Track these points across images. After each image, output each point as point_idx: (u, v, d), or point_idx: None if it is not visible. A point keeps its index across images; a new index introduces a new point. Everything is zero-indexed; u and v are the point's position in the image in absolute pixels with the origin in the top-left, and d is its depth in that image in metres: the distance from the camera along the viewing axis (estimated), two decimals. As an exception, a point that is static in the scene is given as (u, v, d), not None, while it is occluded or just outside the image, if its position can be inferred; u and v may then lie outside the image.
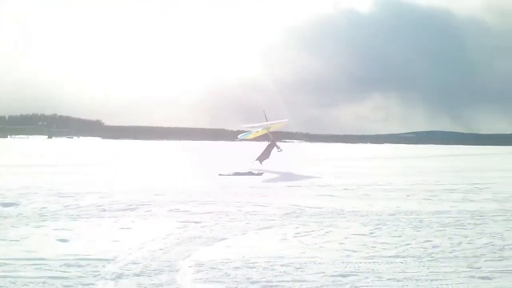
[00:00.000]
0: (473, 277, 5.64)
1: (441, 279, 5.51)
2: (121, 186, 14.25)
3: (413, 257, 6.51)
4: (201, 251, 6.76)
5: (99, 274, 5.53)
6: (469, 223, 9.10)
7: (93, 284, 5.23)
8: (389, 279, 5.49)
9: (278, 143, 24.71)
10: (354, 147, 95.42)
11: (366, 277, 5.55)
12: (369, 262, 6.22)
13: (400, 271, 5.84)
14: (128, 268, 5.77)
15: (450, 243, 7.36)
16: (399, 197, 12.88)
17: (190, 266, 5.94)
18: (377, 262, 6.22)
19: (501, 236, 7.93)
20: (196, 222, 8.74)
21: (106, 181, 16.02)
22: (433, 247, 7.11)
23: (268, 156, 24.29)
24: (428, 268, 5.96)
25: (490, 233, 8.16)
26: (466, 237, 7.80)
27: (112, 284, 5.23)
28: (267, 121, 24.65)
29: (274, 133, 25.33)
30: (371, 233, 8.14)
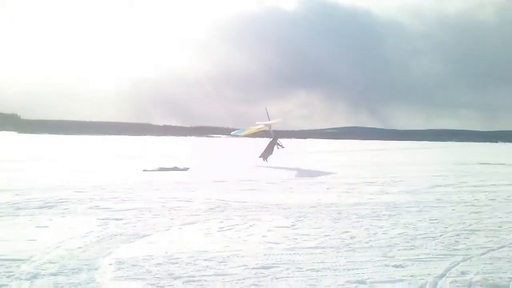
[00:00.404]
0: (387, 265, 5.93)
1: (357, 268, 5.76)
2: (38, 183, 13.56)
3: (332, 247, 6.76)
4: (122, 248, 6.60)
5: (13, 275, 5.26)
6: (385, 214, 9.59)
7: (6, 285, 4.97)
8: (308, 270, 5.66)
9: (279, 140, 25.55)
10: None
11: (287, 268, 5.69)
12: (290, 254, 6.38)
13: (319, 261, 6.04)
14: (44, 268, 5.53)
15: (367, 234, 7.72)
16: (321, 190, 13.31)
17: (110, 264, 5.79)
18: (298, 254, 6.39)
19: (414, 227, 8.42)
20: (117, 219, 8.51)
21: (22, 177, 15.18)
22: (351, 237, 7.42)
23: (272, 153, 25.13)
24: (345, 258, 6.21)
25: (404, 224, 8.64)
26: (381, 228, 8.21)
27: (27, 285, 5.00)
28: (269, 118, 25.71)
29: (275, 130, 26.15)
30: (293, 225, 8.35)
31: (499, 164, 29.82)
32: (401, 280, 5.33)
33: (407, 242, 7.20)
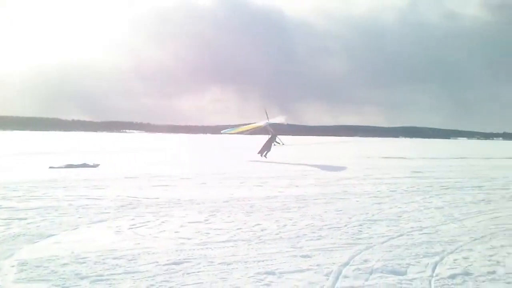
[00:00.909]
0: (295, 256, 6.16)
1: (267, 260, 5.92)
2: None
3: (243, 240, 6.89)
4: (26, 249, 6.27)
5: None
6: (294, 207, 9.92)
7: None
8: (220, 263, 5.73)
9: (279, 137, 27.05)
10: (194, 138, 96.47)
11: (199, 263, 5.73)
12: (202, 248, 6.42)
13: (231, 254, 6.13)
14: None
15: (277, 226, 7.95)
16: (233, 185, 13.46)
17: (12, 266, 5.48)
18: (210, 248, 6.45)
19: (320, 218, 8.79)
20: (20, 219, 8.06)
21: None
22: (262, 230, 7.61)
23: (270, 149, 26.67)
24: (256, 250, 6.37)
25: (311, 215, 9.00)
26: (291, 220, 8.49)
27: None
28: (267, 117, 27.53)
29: (275, 128, 27.60)
30: (206, 220, 8.39)
31: (400, 157, 31.85)
32: (308, 270, 5.56)
33: (314, 232, 7.51)
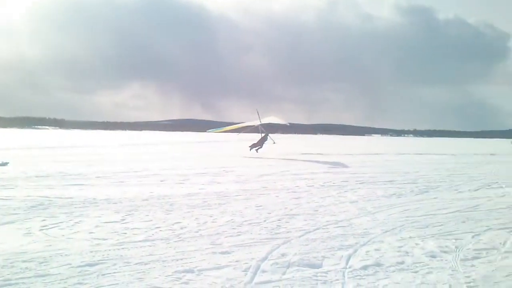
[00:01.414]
0: (215, 253, 6.16)
1: (186, 258, 5.87)
2: None
3: (162, 239, 6.78)
4: None
5: None
6: (215, 203, 9.91)
7: None
8: (137, 263, 5.59)
9: (271, 135, 30.16)
10: (112, 134, 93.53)
11: (114, 264, 5.55)
12: (118, 249, 6.23)
13: (148, 254, 6.01)
14: None
15: (197, 223, 7.90)
16: (153, 183, 13.20)
17: None
18: (127, 248, 6.28)
19: (241, 214, 8.86)
20: None
21: None
22: (181, 228, 7.52)
23: (262, 146, 29.57)
24: (175, 249, 6.28)
25: (232, 212, 9.04)
26: (211, 217, 8.48)
27: None
28: (259, 118, 30.06)
29: (266, 127, 30.34)
30: (123, 219, 8.14)
31: (318, 154, 32.83)
32: (227, 266, 5.57)
33: (234, 229, 7.55)
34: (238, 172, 16.86)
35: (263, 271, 5.42)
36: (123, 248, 6.26)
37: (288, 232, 7.45)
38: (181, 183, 13.34)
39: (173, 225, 7.74)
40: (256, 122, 30.47)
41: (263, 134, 29.88)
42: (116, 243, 6.52)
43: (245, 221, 8.20)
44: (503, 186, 14.58)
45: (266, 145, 30.26)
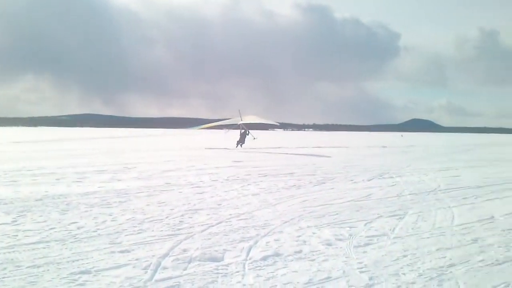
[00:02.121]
0: (113, 252, 5.98)
1: (82, 259, 5.64)
2: None
3: (57, 240, 6.45)
4: None
5: None
6: (115, 202, 9.61)
7: None
8: (29, 267, 5.27)
9: (251, 131, 33.68)
10: (3, 131, 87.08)
11: (4, 268, 5.19)
12: (9, 252, 5.84)
13: (42, 256, 5.69)
14: None
15: (95, 223, 7.61)
16: (49, 181, 12.49)
17: None
18: (18, 251, 5.90)
19: (142, 211, 8.68)
20: None
21: None
22: (78, 228, 7.21)
23: (244, 141, 33.04)
24: (70, 250, 6.01)
25: (133, 209, 8.83)
26: (110, 215, 8.21)
27: None
28: (241, 117, 33.48)
29: (247, 124, 33.64)
30: (14, 221, 7.62)
31: (223, 148, 33.05)
32: (126, 265, 5.44)
33: (135, 226, 7.39)
34: (141, 168, 16.47)
35: (164, 268, 5.36)
36: (13, 252, 5.87)
37: (190, 227, 7.43)
38: (79, 181, 12.76)
39: (69, 225, 7.40)
40: (238, 120, 33.58)
41: (242, 131, 33.23)
42: (6, 246, 6.10)
43: (147, 218, 8.05)
44: (394, 176, 15.66)
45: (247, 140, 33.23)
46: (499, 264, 5.88)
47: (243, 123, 33.36)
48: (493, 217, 8.87)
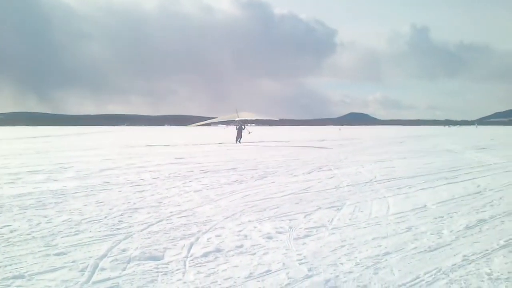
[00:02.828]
0: (48, 255, 5.77)
1: (15, 263, 5.41)
2: None
3: (-14, 246, 6.16)
4: None
5: None
6: (51, 203, 9.27)
7: None
8: (-44, 275, 5.01)
9: (247, 127, 38.01)
10: None
11: None
12: None
13: (-30, 263, 5.42)
14: None
15: (29, 225, 7.31)
16: (-23, 184, 11.86)
17: None
18: None
19: (80, 212, 8.42)
20: None
21: None
22: (11, 231, 6.90)
23: (241, 136, 36.35)
24: (2, 254, 5.74)
25: (70, 210, 8.55)
26: (46, 217, 7.91)
27: None
28: (237, 114, 37.35)
29: (243, 120, 37.53)
30: None
31: (165, 145, 32.65)
32: (62, 268, 5.28)
33: (72, 228, 7.16)
34: (78, 168, 15.97)
35: (102, 269, 5.25)
36: None
37: (130, 226, 7.31)
38: (12, 182, 12.21)
39: (1, 228, 7.07)
40: (235, 117, 37.46)
41: (237, 126, 36.93)
42: None
43: (84, 219, 7.83)
44: (332, 168, 16.08)
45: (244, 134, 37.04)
46: (431, 251, 6.18)
47: (239, 120, 36.98)
48: (425, 205, 9.30)
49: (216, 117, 42.39)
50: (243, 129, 36.75)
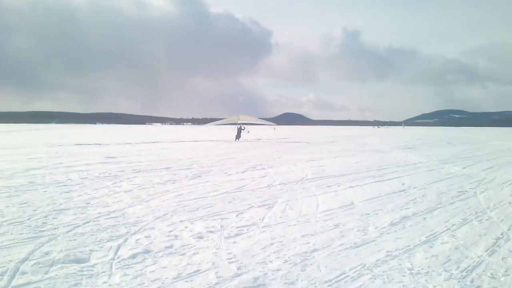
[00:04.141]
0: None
1: None
2: None
3: None
4: None
5: None
6: (-32, 205, 8.73)
7: None
8: None
9: (246, 127, 42.53)
10: None
11: None
12: None
13: None
14: None
15: None
16: None
17: None
18: None
19: (1, 213, 8.01)
20: None
21: None
22: None
23: (241, 136, 40.86)
24: None
25: (-11, 212, 8.11)
26: (-38, 220, 7.45)
27: None
28: (238, 118, 43.29)
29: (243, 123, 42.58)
30: None
31: (95, 144, 31.62)
32: (-22, 273, 5.00)
33: (-9, 231, 6.80)
34: (1, 167, 15.13)
35: (23, 273, 5.02)
36: None
37: (54, 228, 7.02)
38: None
39: None
40: (236, 120, 43.13)
41: (238, 127, 41.31)
42: None
43: (6, 221, 7.44)
44: (265, 167, 16.27)
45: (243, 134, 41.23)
46: (357, 247, 6.41)
47: (240, 122, 42.47)
48: (353, 203, 9.62)
49: (222, 118, 48.97)
50: (243, 130, 41.62)
